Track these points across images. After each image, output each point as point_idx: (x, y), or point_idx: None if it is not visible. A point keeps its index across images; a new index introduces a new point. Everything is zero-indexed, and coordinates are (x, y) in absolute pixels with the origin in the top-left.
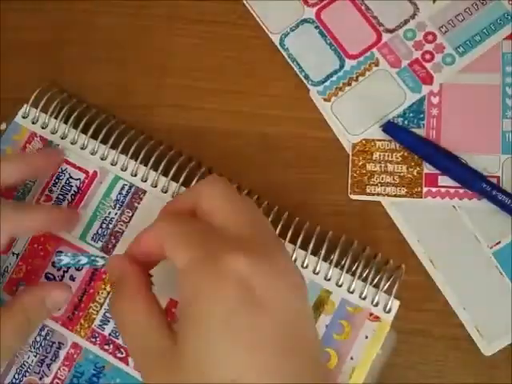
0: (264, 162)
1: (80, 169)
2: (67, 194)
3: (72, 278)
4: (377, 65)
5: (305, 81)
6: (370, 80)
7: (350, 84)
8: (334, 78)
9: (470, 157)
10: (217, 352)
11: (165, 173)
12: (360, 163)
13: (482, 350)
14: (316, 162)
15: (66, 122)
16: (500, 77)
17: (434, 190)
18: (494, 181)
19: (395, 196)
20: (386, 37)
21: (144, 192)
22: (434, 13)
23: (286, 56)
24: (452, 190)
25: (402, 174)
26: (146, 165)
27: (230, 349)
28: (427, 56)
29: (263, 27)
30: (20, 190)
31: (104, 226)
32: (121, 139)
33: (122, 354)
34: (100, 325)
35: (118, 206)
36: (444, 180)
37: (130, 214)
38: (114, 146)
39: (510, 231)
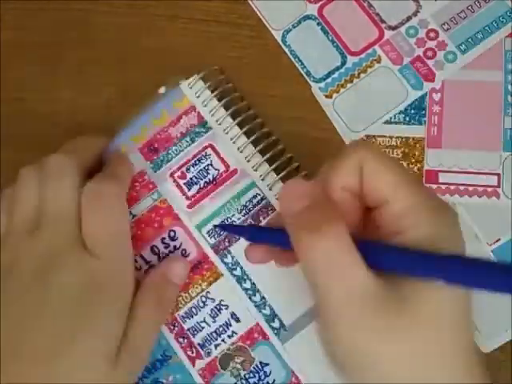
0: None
1: (223, 160)
2: (202, 179)
3: None
4: (379, 62)
5: (306, 77)
6: (372, 77)
7: (351, 81)
8: (336, 74)
9: (471, 154)
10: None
11: None
12: None
13: (480, 347)
14: (316, 162)
15: (225, 109)
16: (502, 74)
17: (434, 186)
18: (495, 178)
19: None
20: (388, 34)
21: (273, 209)
22: (436, 10)
23: (288, 53)
24: (452, 187)
25: None
26: (283, 182)
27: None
28: (429, 53)
29: (265, 24)
30: (160, 157)
31: None
32: (270, 148)
33: (192, 353)
34: (183, 316)
35: (244, 212)
36: (444, 177)
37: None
38: (261, 152)
39: (510, 229)
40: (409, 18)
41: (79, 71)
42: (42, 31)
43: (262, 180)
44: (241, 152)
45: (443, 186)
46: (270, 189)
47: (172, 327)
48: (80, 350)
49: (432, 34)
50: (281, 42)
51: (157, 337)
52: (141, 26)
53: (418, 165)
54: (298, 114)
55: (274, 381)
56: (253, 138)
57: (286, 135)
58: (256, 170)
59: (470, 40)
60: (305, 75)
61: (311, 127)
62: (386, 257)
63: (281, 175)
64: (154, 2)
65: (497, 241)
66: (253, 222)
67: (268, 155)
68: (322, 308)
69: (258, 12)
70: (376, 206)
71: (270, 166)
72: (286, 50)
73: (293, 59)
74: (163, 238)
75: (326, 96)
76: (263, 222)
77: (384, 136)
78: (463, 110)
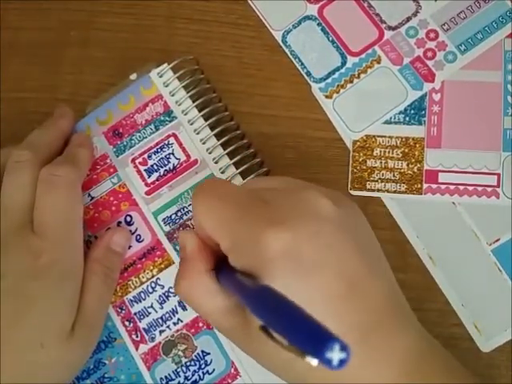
0: (264, 162)
1: (184, 150)
2: (162, 167)
3: (129, 247)
4: (379, 62)
5: (306, 78)
6: (372, 77)
7: (351, 81)
8: (336, 75)
9: (470, 154)
10: None
11: None
12: (360, 159)
13: (480, 346)
14: (317, 162)
15: (192, 100)
16: (501, 74)
17: (434, 186)
18: (495, 178)
19: (395, 192)
20: (388, 34)
21: None
22: (436, 10)
23: (288, 53)
24: (452, 187)
25: (402, 171)
26: (243, 176)
27: None
28: (429, 53)
29: (265, 24)
30: (124, 142)
31: (179, 214)
32: (232, 142)
33: (137, 337)
34: (132, 300)
35: None
36: (444, 177)
37: None
38: (223, 145)
39: (510, 228)
40: (409, 19)
41: (79, 71)
42: (42, 31)
43: (222, 173)
44: (203, 143)
45: (443, 186)
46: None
47: (119, 310)
48: (29, 327)
49: (432, 35)
50: (281, 42)
51: (107, 311)
52: (141, 26)
53: (418, 165)
54: (298, 114)
55: (214, 370)
56: (217, 130)
57: (285, 135)
58: (216, 163)
59: (469, 40)
60: (305, 75)
61: (311, 127)
62: (233, 287)
63: (240, 169)
64: (153, 2)
65: (496, 240)
66: None
67: (230, 149)
68: None
69: (258, 12)
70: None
71: (233, 159)
72: (286, 50)
73: (293, 59)
74: (119, 222)
75: (326, 96)
76: None
77: (384, 136)
78: (463, 111)
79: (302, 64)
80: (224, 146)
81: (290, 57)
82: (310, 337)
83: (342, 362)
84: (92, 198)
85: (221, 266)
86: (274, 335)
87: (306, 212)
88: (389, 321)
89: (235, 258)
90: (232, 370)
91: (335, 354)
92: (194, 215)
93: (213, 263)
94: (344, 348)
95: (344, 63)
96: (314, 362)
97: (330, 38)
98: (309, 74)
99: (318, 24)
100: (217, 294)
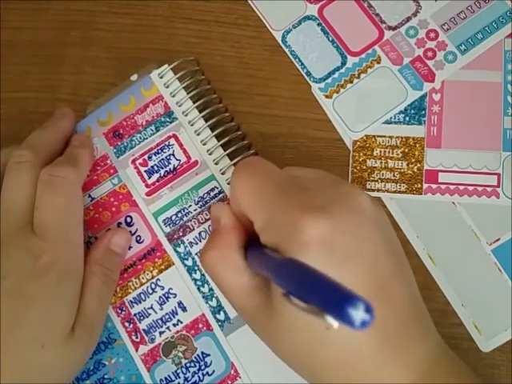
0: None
1: (185, 151)
2: (162, 168)
3: (129, 248)
4: (379, 62)
5: (306, 78)
6: (372, 77)
7: (351, 81)
8: (336, 74)
9: (470, 154)
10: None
11: None
12: (361, 159)
13: (480, 346)
14: (317, 162)
15: (193, 101)
16: (502, 74)
17: (434, 186)
18: (495, 178)
19: (395, 192)
20: (388, 34)
21: (229, 203)
22: (436, 10)
23: (288, 53)
24: (452, 187)
25: (402, 171)
26: None
27: None
28: (429, 53)
29: (265, 24)
30: (124, 143)
31: (179, 215)
32: (233, 143)
33: (137, 338)
34: (131, 301)
35: (200, 203)
36: (444, 177)
37: (207, 217)
38: (224, 146)
39: (510, 228)
40: (409, 19)
41: (79, 71)
42: (42, 31)
43: (222, 174)
44: (204, 144)
45: (443, 186)
46: (229, 183)
47: (119, 311)
48: (29, 328)
49: (432, 35)
50: (281, 42)
51: (107, 312)
52: (141, 26)
53: (418, 165)
54: (298, 114)
55: (214, 371)
56: (217, 131)
57: (285, 135)
58: (217, 164)
59: (469, 40)
60: (305, 75)
61: (311, 127)
62: (255, 263)
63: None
64: (153, 2)
65: (496, 240)
66: (208, 214)
67: (230, 150)
68: None
69: (258, 12)
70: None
71: (233, 160)
72: (286, 50)
73: (293, 59)
74: (119, 223)
75: (326, 96)
76: None
77: (384, 136)
78: (463, 110)
79: (302, 64)
80: (224, 146)
81: (290, 57)
82: (335, 297)
83: (364, 323)
84: (92, 198)
85: (248, 244)
86: (296, 301)
87: (346, 204)
88: (412, 325)
89: (269, 237)
90: (232, 372)
91: (359, 313)
92: (233, 190)
93: (244, 241)
94: (369, 310)
95: (344, 63)
96: (335, 324)
97: (330, 38)
98: (309, 73)
99: (318, 24)
100: (244, 271)
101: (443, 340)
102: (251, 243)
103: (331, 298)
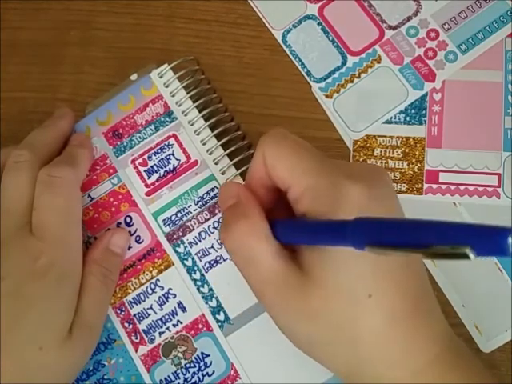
0: None
1: (185, 151)
2: (162, 168)
3: (128, 248)
4: (379, 62)
5: (307, 77)
6: (373, 77)
7: (352, 81)
8: (336, 74)
9: (471, 154)
10: (350, 275)
11: None
12: (361, 159)
13: (480, 347)
14: None
15: (193, 101)
16: (502, 74)
17: (434, 186)
18: (496, 178)
19: (396, 192)
20: (388, 34)
21: None
22: (436, 10)
23: (289, 52)
24: (453, 187)
25: (402, 171)
26: (243, 177)
27: (364, 272)
28: (430, 53)
29: (265, 24)
30: (124, 143)
31: (179, 215)
32: (233, 143)
33: (136, 338)
34: (131, 302)
35: (200, 203)
36: (445, 177)
37: (207, 217)
38: (224, 146)
39: None
40: (409, 18)
41: (79, 71)
42: (42, 31)
43: (222, 174)
44: (204, 144)
45: (444, 186)
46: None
47: (119, 311)
48: (28, 329)
49: (432, 34)
50: (281, 42)
51: (106, 313)
52: (141, 26)
53: (419, 165)
54: (298, 114)
55: (214, 372)
56: (217, 131)
57: None
58: (217, 164)
59: (470, 40)
60: (305, 75)
61: (311, 127)
62: (293, 233)
63: (240, 170)
64: (153, 2)
65: None
66: (208, 214)
67: (230, 150)
68: (253, 292)
69: (258, 11)
70: (285, 191)
71: (233, 160)
72: (286, 49)
73: (293, 59)
74: (119, 223)
75: (327, 96)
76: (218, 215)
77: (384, 136)
78: (464, 110)
79: (303, 63)
80: (224, 146)
81: (290, 56)
82: (472, 230)
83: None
84: (92, 198)
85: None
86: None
87: (380, 178)
88: (428, 301)
89: (308, 203)
90: (232, 372)
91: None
92: (262, 157)
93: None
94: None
95: (344, 63)
96: (472, 255)
97: (331, 38)
98: (309, 73)
99: (319, 23)
100: (274, 240)
101: None
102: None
103: (472, 235)
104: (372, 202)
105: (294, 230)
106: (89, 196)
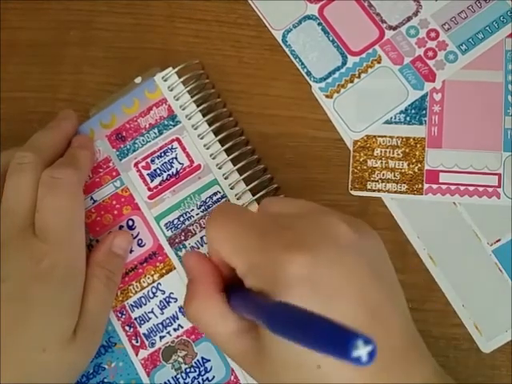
0: (264, 162)
1: (188, 155)
2: (165, 171)
3: (130, 251)
4: (379, 62)
5: (307, 77)
6: (373, 77)
7: (352, 81)
8: (336, 74)
9: (471, 154)
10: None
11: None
12: (361, 159)
13: (480, 347)
14: (317, 162)
15: (197, 105)
16: (503, 74)
17: (434, 186)
18: (496, 178)
19: (396, 192)
20: (388, 34)
21: None
22: (436, 10)
23: (289, 52)
24: (453, 187)
25: (403, 171)
26: (246, 183)
27: None
28: (430, 53)
29: (265, 24)
30: (127, 146)
31: (181, 219)
32: (236, 148)
33: (137, 342)
34: (132, 305)
35: (203, 207)
36: (445, 177)
37: None
38: (227, 151)
39: (511, 229)
40: (409, 18)
41: (79, 71)
42: (42, 31)
43: (225, 179)
44: (207, 149)
45: (444, 186)
46: (232, 188)
47: (120, 315)
48: (31, 331)
49: (432, 34)
50: (281, 42)
51: (109, 315)
52: (141, 26)
53: (419, 165)
54: (299, 113)
55: (214, 377)
56: (221, 135)
57: (285, 135)
58: (220, 168)
59: (470, 40)
60: (305, 75)
61: (311, 127)
62: (244, 307)
63: (244, 176)
64: (153, 2)
65: (497, 241)
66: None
67: (234, 155)
68: None
69: (258, 12)
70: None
71: (236, 165)
72: (287, 49)
73: (293, 59)
74: (121, 226)
75: (327, 96)
76: None
77: (384, 136)
78: (464, 110)
79: (303, 64)
80: (228, 151)
81: (291, 56)
82: (333, 342)
83: (371, 356)
84: (94, 201)
85: (230, 289)
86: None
87: (326, 238)
88: (408, 352)
89: (253, 281)
90: (232, 378)
91: (361, 351)
92: (209, 241)
93: (223, 285)
94: (368, 341)
95: (344, 63)
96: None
97: (331, 38)
98: (309, 73)
99: (319, 24)
100: (228, 315)
101: (444, 341)
102: (233, 287)
103: (330, 342)
104: (318, 270)
105: (245, 303)
106: (91, 198)
